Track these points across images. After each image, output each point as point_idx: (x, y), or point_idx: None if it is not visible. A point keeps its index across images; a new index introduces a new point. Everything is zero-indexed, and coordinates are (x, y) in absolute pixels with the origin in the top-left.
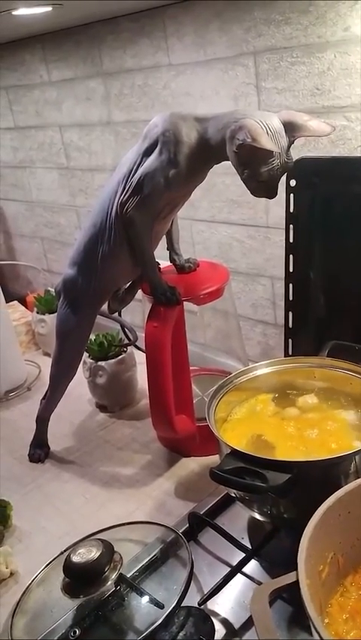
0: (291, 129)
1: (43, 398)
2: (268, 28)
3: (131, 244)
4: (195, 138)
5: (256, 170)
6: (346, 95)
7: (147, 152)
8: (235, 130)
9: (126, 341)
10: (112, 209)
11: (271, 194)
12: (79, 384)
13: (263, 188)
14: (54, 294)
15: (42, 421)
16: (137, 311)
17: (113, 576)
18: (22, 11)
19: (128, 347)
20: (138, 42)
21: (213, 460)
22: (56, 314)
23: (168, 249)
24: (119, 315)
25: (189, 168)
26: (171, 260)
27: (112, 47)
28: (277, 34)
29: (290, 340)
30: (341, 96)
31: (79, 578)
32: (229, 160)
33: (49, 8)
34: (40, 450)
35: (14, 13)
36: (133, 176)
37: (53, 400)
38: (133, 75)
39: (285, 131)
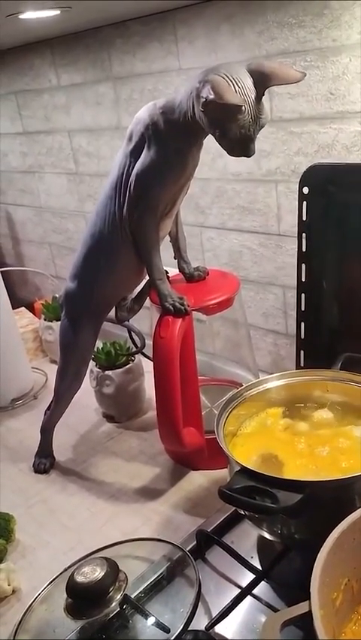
0: (260, 80)
1: (48, 409)
2: (281, 31)
3: (137, 250)
4: (175, 119)
5: (227, 128)
6: None
7: (134, 153)
8: (200, 88)
9: (134, 349)
10: (110, 217)
11: (247, 152)
12: (85, 394)
13: (238, 146)
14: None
15: (46, 431)
16: (144, 318)
17: (118, 597)
18: (29, 15)
19: (136, 356)
20: (148, 46)
21: (222, 473)
22: None
23: (175, 258)
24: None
25: (180, 153)
26: (180, 269)
27: (122, 51)
28: (291, 37)
29: (302, 351)
30: (356, 101)
31: (82, 599)
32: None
33: (57, 12)
34: (45, 460)
35: (21, 16)
36: (128, 179)
37: (57, 412)
38: (143, 79)
39: (256, 83)
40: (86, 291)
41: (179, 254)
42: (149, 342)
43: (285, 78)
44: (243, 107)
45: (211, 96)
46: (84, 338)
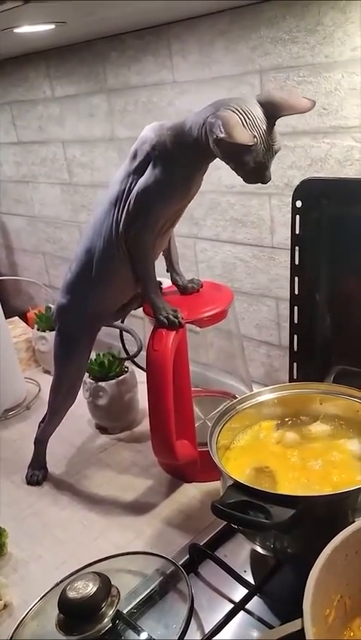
0: (271, 110)
1: (42, 421)
2: (275, 47)
3: (133, 265)
4: (185, 143)
5: (241, 160)
6: (354, 116)
7: (138, 170)
8: (212, 124)
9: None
10: (107, 232)
11: (262, 179)
12: (79, 405)
13: (253, 175)
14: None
15: (40, 443)
16: (138, 330)
17: (110, 612)
18: (24, 29)
19: (130, 367)
20: (143, 59)
21: (216, 485)
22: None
23: (167, 271)
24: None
25: (184, 177)
26: (173, 281)
27: (116, 64)
28: (284, 53)
29: (295, 364)
30: (348, 116)
31: (74, 615)
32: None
33: (51, 26)
34: (38, 472)
35: (16, 30)
36: (128, 196)
37: (51, 425)
38: (137, 92)
39: (266, 113)
40: (79, 305)
41: (171, 266)
42: (142, 352)
43: (295, 107)
44: (254, 140)
45: (222, 134)
46: (78, 352)
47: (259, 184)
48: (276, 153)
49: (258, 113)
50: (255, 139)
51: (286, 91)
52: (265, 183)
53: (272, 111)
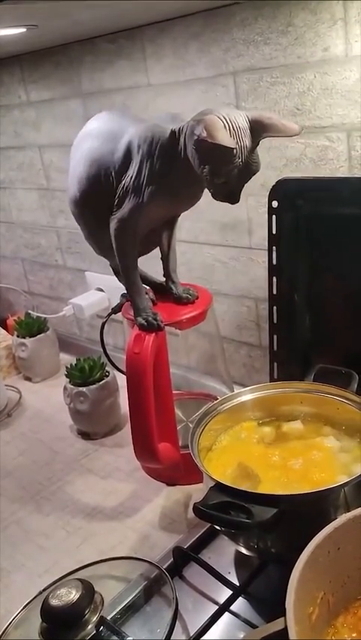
0: (259, 129)
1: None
2: (247, 48)
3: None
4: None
5: (216, 169)
6: (327, 116)
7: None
8: (193, 126)
9: (108, 365)
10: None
11: (232, 199)
12: (60, 410)
13: (223, 191)
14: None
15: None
16: (118, 333)
17: (94, 619)
18: None
19: (111, 371)
20: (117, 63)
21: (199, 488)
22: (35, 338)
23: (164, 277)
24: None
25: (170, 186)
26: (168, 289)
27: (91, 68)
28: (257, 54)
29: (275, 364)
30: (322, 116)
31: (57, 623)
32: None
33: (22, 30)
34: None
35: None
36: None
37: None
38: (112, 95)
39: (253, 131)
40: None
41: (167, 274)
42: (122, 356)
43: (283, 131)
44: (234, 150)
45: (204, 134)
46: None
47: None
48: (253, 174)
49: (243, 125)
50: (235, 150)
51: (276, 114)
52: (233, 204)
53: (259, 130)
